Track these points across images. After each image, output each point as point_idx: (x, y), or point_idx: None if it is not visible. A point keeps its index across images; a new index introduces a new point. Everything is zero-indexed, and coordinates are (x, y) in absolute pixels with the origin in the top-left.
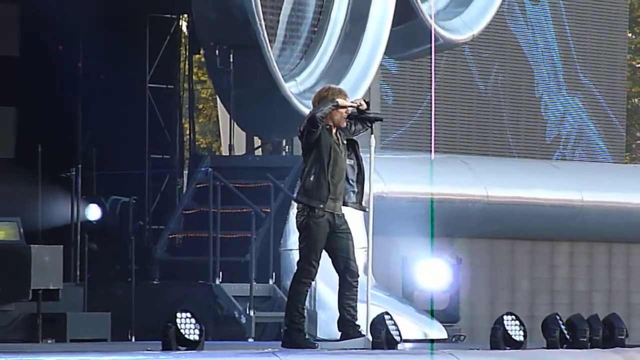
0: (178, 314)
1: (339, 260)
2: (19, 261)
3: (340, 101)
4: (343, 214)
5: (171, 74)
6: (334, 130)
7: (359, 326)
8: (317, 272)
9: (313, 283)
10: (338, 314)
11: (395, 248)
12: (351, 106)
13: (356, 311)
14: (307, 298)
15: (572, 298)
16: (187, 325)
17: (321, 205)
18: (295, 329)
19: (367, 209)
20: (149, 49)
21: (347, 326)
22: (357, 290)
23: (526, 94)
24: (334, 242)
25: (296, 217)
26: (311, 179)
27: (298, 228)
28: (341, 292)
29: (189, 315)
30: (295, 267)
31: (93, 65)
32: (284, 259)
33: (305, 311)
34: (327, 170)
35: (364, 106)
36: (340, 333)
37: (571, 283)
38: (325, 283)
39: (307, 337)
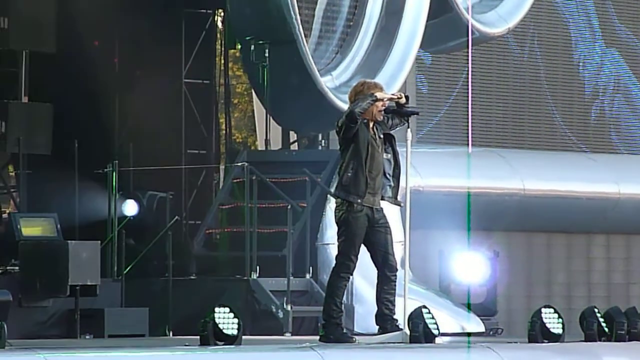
0: (216, 309)
1: (378, 254)
2: (57, 257)
3: (379, 94)
4: (382, 208)
5: (207, 69)
6: (371, 125)
7: (396, 320)
8: (355, 266)
9: (351, 277)
10: (376, 308)
11: (432, 242)
12: (391, 99)
13: (394, 305)
14: (345, 292)
15: (609, 291)
16: (225, 320)
17: (359, 200)
18: (333, 324)
19: (402, 204)
20: (184, 44)
21: (385, 320)
22: (395, 285)
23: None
24: (373, 236)
25: (335, 212)
26: (349, 174)
27: (337, 222)
28: (380, 286)
29: (227, 310)
30: (333, 262)
31: (129, 61)
32: (321, 253)
33: (343, 305)
34: (365, 165)
35: (404, 99)
36: (378, 327)
37: (608, 275)
38: (363, 277)
39: (344, 331)
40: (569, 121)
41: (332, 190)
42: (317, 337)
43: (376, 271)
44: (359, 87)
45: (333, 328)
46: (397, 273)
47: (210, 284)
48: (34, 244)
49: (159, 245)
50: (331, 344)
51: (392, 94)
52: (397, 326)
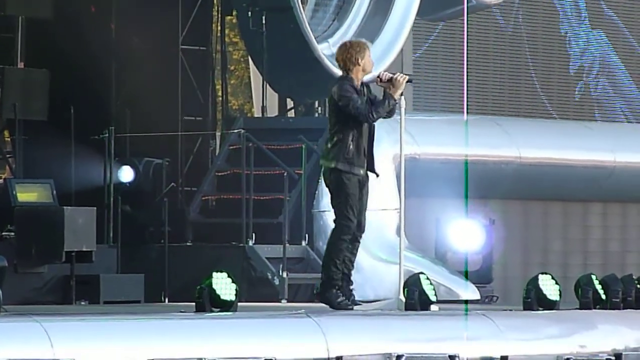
0: (214, 274)
1: None
2: (53, 223)
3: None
4: (366, 173)
5: (204, 36)
6: (364, 91)
7: (352, 282)
8: (354, 227)
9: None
10: None
11: (429, 209)
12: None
13: (353, 266)
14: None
15: (605, 259)
16: (223, 285)
17: (361, 172)
18: (331, 285)
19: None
20: (181, 10)
21: (342, 279)
22: (359, 245)
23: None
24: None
25: (324, 175)
26: (351, 146)
27: (329, 186)
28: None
29: (225, 275)
30: (329, 229)
31: (126, 27)
32: (317, 220)
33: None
34: (365, 135)
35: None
36: None
37: (604, 244)
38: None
39: (342, 297)
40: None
41: (331, 163)
42: (313, 304)
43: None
44: (346, 47)
45: (331, 289)
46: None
47: (206, 251)
48: (30, 209)
49: (155, 211)
50: (326, 311)
51: (397, 76)
52: (350, 288)
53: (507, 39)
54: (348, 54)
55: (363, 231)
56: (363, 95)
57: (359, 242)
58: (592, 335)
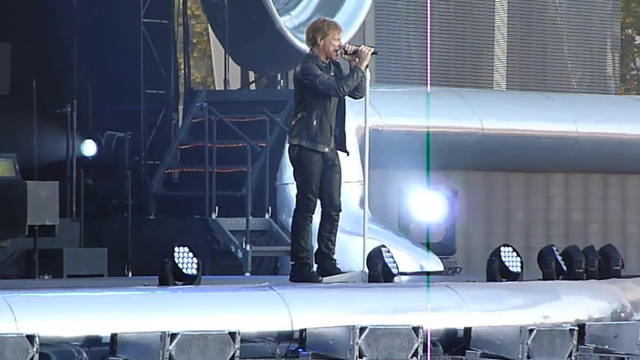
0: (176, 249)
1: (324, 193)
2: (15, 197)
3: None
4: (333, 148)
5: (165, 9)
6: (331, 67)
7: (335, 260)
8: (315, 204)
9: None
10: (316, 246)
11: (392, 181)
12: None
13: (334, 245)
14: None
15: (567, 229)
16: (184, 260)
17: (326, 149)
18: (300, 264)
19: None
20: None
21: (324, 259)
22: (337, 225)
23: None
24: (323, 174)
25: (289, 151)
26: (314, 123)
27: (291, 161)
28: (322, 224)
29: (186, 249)
30: (292, 201)
31: (87, 0)
32: (280, 192)
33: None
34: (329, 113)
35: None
36: (316, 265)
37: (566, 214)
38: None
39: (312, 271)
40: (527, 61)
41: (294, 139)
42: (276, 277)
43: (320, 209)
44: (319, 24)
45: (301, 268)
46: (355, 213)
47: (170, 224)
48: None
49: (118, 185)
50: (290, 283)
51: (362, 48)
52: (336, 266)
53: (468, 10)
54: (309, 32)
55: (339, 210)
56: (330, 72)
57: (337, 221)
58: (555, 306)
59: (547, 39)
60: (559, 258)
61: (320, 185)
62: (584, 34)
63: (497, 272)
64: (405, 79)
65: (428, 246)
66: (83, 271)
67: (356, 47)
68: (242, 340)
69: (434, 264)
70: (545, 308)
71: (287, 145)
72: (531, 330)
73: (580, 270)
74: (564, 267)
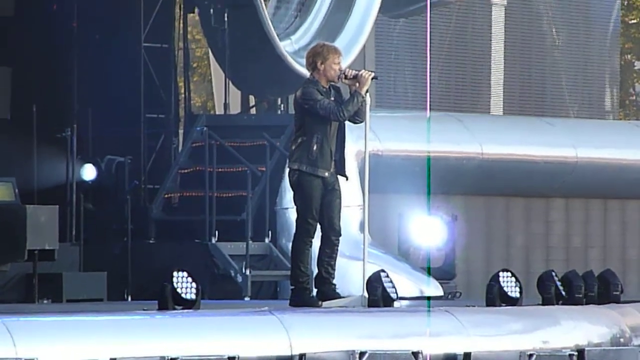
0: (175, 273)
1: (325, 217)
2: (15, 221)
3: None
4: (333, 172)
5: (166, 33)
6: (331, 92)
7: (335, 285)
8: (315, 229)
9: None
10: (316, 271)
11: (392, 205)
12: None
13: (334, 270)
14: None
15: (567, 254)
16: (183, 284)
17: (326, 174)
18: (300, 288)
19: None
20: (143, 8)
21: (323, 284)
22: (337, 249)
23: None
24: (323, 198)
25: (289, 175)
26: (315, 148)
27: (291, 186)
28: (322, 249)
29: (185, 274)
30: (292, 225)
31: (88, 25)
32: (280, 217)
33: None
34: (330, 137)
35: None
36: (316, 290)
37: (566, 239)
38: None
39: (312, 295)
40: (527, 86)
41: (294, 164)
42: (276, 301)
43: (320, 233)
44: (319, 48)
45: (301, 292)
46: (356, 238)
47: (169, 248)
48: None
49: (117, 209)
50: (290, 308)
51: (362, 72)
52: (335, 290)
53: (469, 36)
54: (309, 56)
55: (339, 234)
56: (331, 97)
57: (337, 245)
58: (554, 331)
59: (546, 69)
60: (559, 283)
61: (321, 209)
62: (583, 63)
63: (496, 297)
64: (405, 104)
65: (428, 271)
66: (82, 295)
67: (356, 72)
68: None
69: (434, 288)
70: (545, 333)
71: (287, 170)
72: (531, 356)
73: (580, 296)
74: (563, 293)
